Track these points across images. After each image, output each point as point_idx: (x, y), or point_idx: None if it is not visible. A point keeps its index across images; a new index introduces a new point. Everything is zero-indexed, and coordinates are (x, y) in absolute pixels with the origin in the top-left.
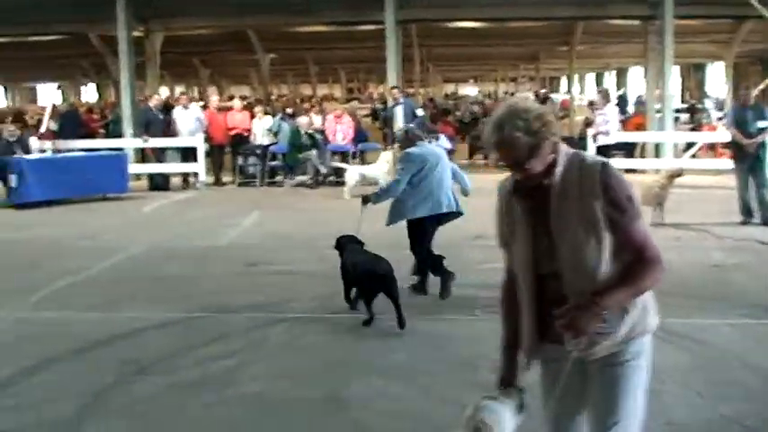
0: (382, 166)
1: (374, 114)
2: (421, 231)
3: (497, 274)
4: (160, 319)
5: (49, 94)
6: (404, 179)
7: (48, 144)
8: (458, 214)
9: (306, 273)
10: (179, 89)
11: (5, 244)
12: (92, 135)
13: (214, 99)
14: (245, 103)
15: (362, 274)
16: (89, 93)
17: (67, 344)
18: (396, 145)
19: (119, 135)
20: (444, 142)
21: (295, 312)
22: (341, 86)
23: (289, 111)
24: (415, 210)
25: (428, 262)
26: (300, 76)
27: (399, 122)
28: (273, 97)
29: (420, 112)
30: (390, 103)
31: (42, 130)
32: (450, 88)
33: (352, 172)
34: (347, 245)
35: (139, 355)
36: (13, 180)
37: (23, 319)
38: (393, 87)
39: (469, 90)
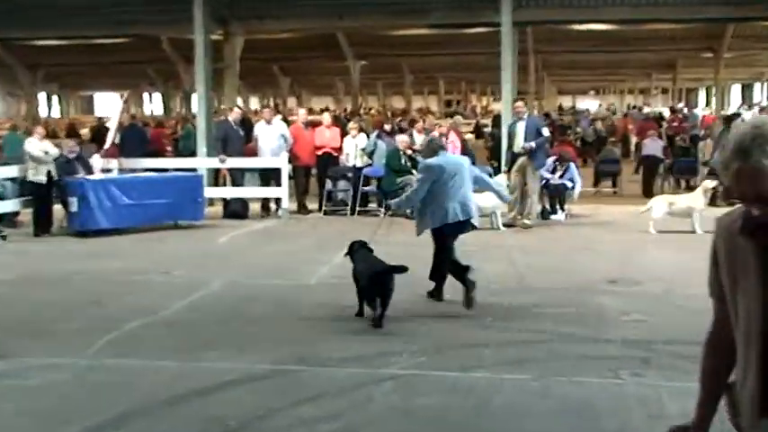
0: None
1: (478, 131)
2: (440, 241)
3: (643, 329)
4: (246, 370)
5: (114, 104)
6: (422, 189)
7: (113, 163)
8: (469, 225)
9: (412, 318)
10: (253, 100)
11: (66, 277)
12: (158, 153)
13: (302, 113)
14: (333, 116)
15: (364, 278)
16: (154, 104)
17: (140, 398)
18: (511, 169)
19: (190, 153)
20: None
21: (401, 367)
22: (438, 98)
23: (387, 127)
24: (432, 220)
25: (447, 269)
26: (392, 87)
27: (520, 141)
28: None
29: (545, 131)
30: (508, 118)
31: (107, 145)
32: (565, 101)
33: None
34: (359, 250)
35: (225, 414)
36: (74, 204)
37: (88, 368)
38: (518, 99)
39: (588, 103)
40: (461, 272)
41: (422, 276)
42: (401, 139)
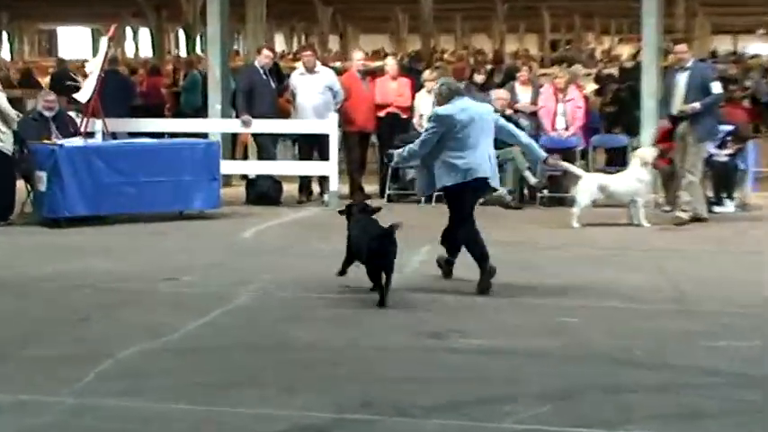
0: (638, 175)
1: (600, 88)
2: (457, 204)
3: None
4: (298, 420)
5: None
6: (429, 141)
7: (97, 124)
8: (486, 187)
9: (526, 351)
10: (279, 40)
11: (36, 283)
12: (154, 111)
13: (358, 57)
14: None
15: (362, 248)
16: (141, 42)
17: None
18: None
19: (195, 112)
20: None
21: (517, 420)
22: (540, 38)
23: (477, 78)
24: (441, 178)
25: (464, 241)
26: (474, 21)
27: (678, 99)
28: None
29: (716, 87)
30: (652, 67)
31: (84, 98)
32: (722, 44)
33: (589, 183)
34: (356, 214)
35: None
36: (42, 181)
37: (73, 410)
38: (679, 41)
39: (757, 47)
40: (479, 258)
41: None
42: (498, 96)
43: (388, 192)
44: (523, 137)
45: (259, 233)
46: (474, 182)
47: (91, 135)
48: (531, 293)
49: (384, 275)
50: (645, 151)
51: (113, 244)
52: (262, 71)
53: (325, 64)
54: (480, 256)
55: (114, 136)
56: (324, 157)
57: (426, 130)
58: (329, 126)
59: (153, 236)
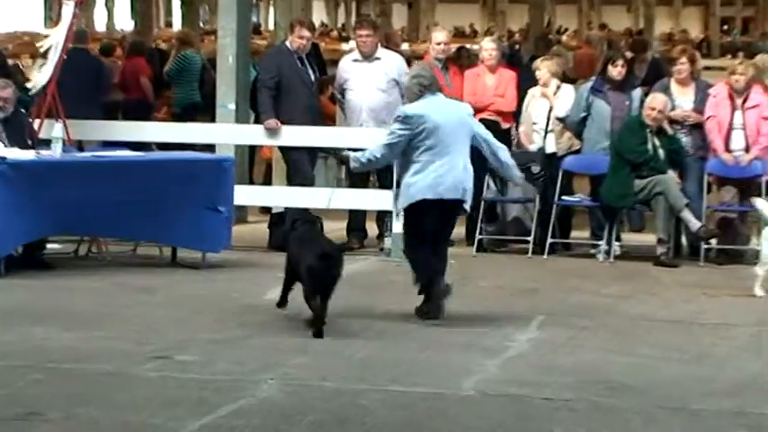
0: None
1: None
2: (413, 222)
3: None
4: None
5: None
6: (393, 146)
7: (55, 128)
8: (460, 207)
9: None
10: (318, 7)
11: None
12: (138, 110)
13: (438, 38)
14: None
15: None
16: (116, 11)
17: None
18: None
19: (192, 109)
20: None
21: None
22: (704, 16)
23: (614, 72)
24: (403, 194)
25: (409, 261)
26: None
27: None
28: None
29: None
30: None
31: (36, 84)
32: None
33: None
34: (301, 227)
35: None
36: None
37: None
38: None
39: None
40: (430, 284)
41: None
42: (652, 102)
43: (479, 236)
44: (502, 153)
45: (289, 295)
46: (439, 202)
47: (44, 145)
48: (693, 395)
49: (321, 298)
50: None
51: (77, 304)
52: (295, 56)
53: (387, 46)
54: (428, 282)
55: (80, 147)
56: (384, 182)
57: (390, 133)
58: None
59: (134, 293)
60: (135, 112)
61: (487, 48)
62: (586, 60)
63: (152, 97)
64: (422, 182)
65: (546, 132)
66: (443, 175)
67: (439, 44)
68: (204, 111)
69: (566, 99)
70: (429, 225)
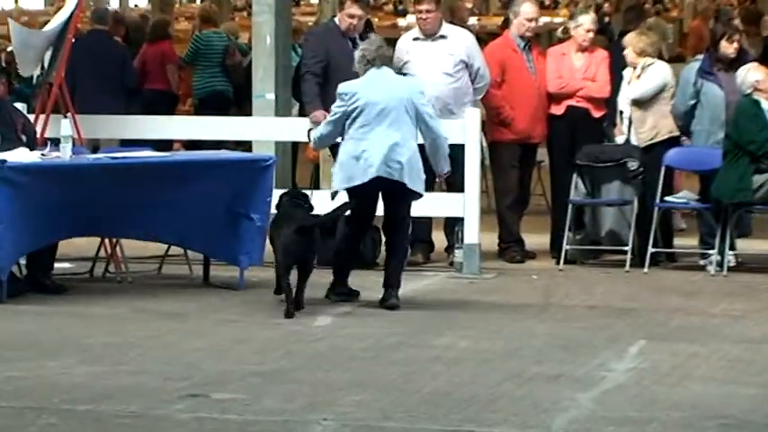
0: None
1: None
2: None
3: None
4: None
5: None
6: (333, 122)
7: (64, 125)
8: (402, 189)
9: None
10: None
11: None
12: (163, 103)
13: (526, 11)
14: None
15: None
16: None
17: None
18: None
19: (215, 99)
20: None
21: None
22: None
23: (728, 49)
24: (338, 176)
25: (337, 262)
26: None
27: None
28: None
29: None
30: None
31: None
32: None
33: None
34: (284, 205)
35: None
36: None
37: None
38: None
39: None
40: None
41: None
42: (756, 77)
43: (566, 247)
44: (437, 141)
45: (344, 320)
46: (370, 183)
47: (52, 145)
48: None
49: (299, 277)
50: None
51: (94, 334)
52: (346, 37)
53: (453, 22)
54: (339, 270)
55: (96, 148)
56: (455, 185)
57: (332, 109)
58: (466, 130)
59: (161, 319)
60: (158, 106)
61: (584, 24)
62: (699, 31)
63: (178, 88)
64: (350, 161)
65: (630, 121)
66: (371, 152)
67: (530, 20)
68: (235, 102)
69: (648, 79)
70: (365, 208)
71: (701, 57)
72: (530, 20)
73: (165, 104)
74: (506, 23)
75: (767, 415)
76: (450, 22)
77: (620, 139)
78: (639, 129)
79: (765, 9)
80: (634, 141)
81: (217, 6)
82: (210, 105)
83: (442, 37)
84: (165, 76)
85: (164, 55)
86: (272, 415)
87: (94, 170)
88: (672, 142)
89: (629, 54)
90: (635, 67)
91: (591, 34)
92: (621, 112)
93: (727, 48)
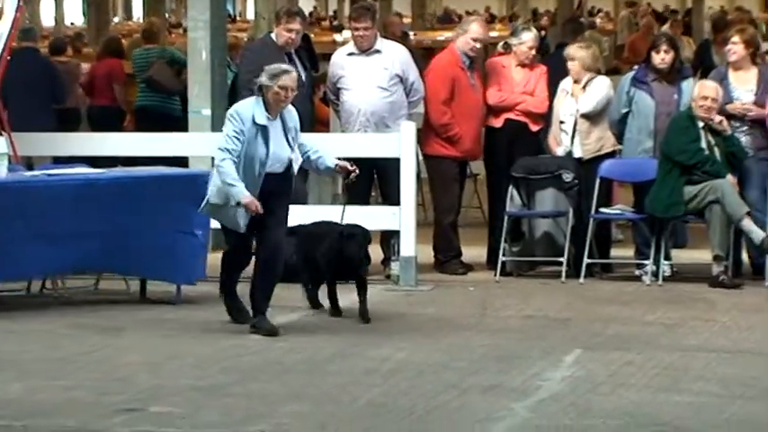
0: None
1: None
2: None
3: None
4: None
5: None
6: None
7: (1, 143)
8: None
9: None
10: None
11: None
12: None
13: (473, 30)
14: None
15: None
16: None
17: None
18: None
19: (170, 118)
20: None
21: None
22: None
23: (657, 59)
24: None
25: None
26: None
27: None
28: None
29: None
30: None
31: None
32: None
33: None
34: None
35: None
36: None
37: None
38: None
39: None
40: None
41: None
42: (702, 92)
43: (503, 258)
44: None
45: (283, 336)
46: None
47: None
48: None
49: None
50: None
51: (29, 350)
52: (282, 52)
53: (387, 36)
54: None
55: (30, 164)
56: (390, 198)
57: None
58: (402, 144)
59: (97, 334)
60: (106, 121)
61: (527, 41)
62: (636, 44)
63: (125, 104)
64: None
65: (573, 133)
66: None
67: (476, 40)
68: (162, 117)
69: (595, 93)
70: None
71: None
72: (475, 40)
73: (112, 120)
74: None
75: (702, 422)
76: (385, 37)
77: (560, 150)
78: (585, 141)
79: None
80: (578, 153)
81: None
82: (138, 120)
83: (377, 51)
84: (111, 92)
85: (111, 71)
86: (209, 428)
87: (30, 187)
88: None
89: (574, 67)
90: (577, 81)
91: (533, 51)
92: (562, 123)
93: (656, 58)
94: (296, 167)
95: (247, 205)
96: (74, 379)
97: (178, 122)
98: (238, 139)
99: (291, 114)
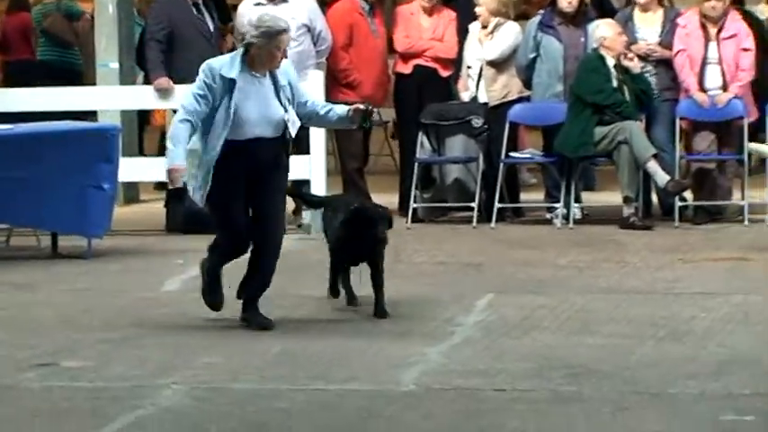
0: None
1: None
2: None
3: None
4: None
5: None
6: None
7: None
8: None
9: None
10: None
11: None
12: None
13: None
14: None
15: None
16: None
17: None
18: None
19: (72, 71)
20: None
21: None
22: None
23: (563, 3)
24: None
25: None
26: None
27: None
28: None
29: None
30: None
31: None
32: None
33: None
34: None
35: None
36: None
37: None
38: None
39: None
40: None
41: None
42: (604, 33)
43: (414, 205)
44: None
45: (190, 284)
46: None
47: None
48: (673, 376)
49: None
50: None
51: None
52: (190, 2)
53: None
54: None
55: None
56: (300, 148)
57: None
58: (311, 92)
59: (8, 290)
60: (25, 76)
61: None
62: None
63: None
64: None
65: (479, 79)
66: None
67: None
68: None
69: (501, 40)
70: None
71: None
72: None
73: (32, 75)
74: None
75: (614, 364)
76: None
77: (465, 96)
78: (490, 87)
79: None
80: (484, 99)
81: None
82: (42, 75)
83: (284, 1)
84: (28, 47)
85: (25, 26)
86: (121, 381)
87: None
88: (523, 101)
89: (482, 13)
90: (485, 26)
91: None
92: (469, 68)
93: (562, 2)
94: (293, 130)
95: (168, 173)
96: None
97: (79, 76)
98: (202, 97)
99: (286, 71)
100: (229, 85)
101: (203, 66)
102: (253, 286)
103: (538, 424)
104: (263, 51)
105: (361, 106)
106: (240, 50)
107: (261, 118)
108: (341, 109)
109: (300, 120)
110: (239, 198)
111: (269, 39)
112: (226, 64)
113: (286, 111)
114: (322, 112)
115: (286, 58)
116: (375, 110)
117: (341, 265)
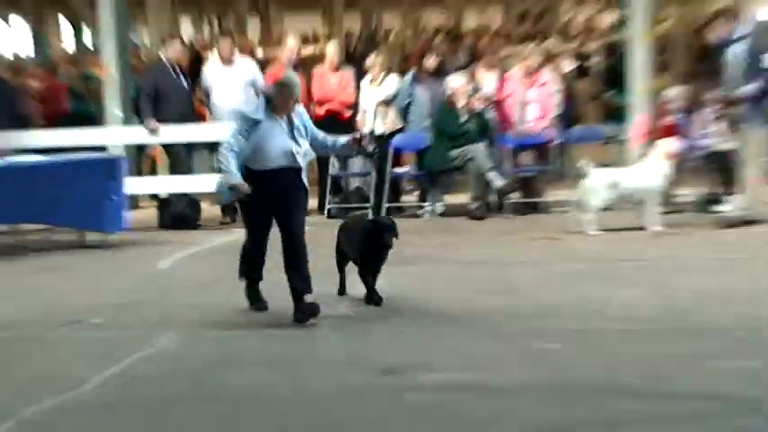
0: (660, 169)
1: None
2: None
3: None
4: None
5: None
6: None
7: None
8: None
9: (502, 386)
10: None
11: None
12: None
13: (291, 44)
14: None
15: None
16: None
17: None
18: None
19: (90, 118)
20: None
21: None
22: (505, 9)
23: (429, 63)
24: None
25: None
26: None
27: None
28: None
29: None
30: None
31: None
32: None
33: (599, 178)
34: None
35: None
36: None
37: None
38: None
39: None
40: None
41: None
42: (457, 85)
43: (329, 206)
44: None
45: (178, 264)
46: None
47: None
48: (504, 318)
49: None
50: (668, 142)
51: None
52: (170, 67)
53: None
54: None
55: None
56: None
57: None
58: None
59: (46, 271)
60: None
61: (332, 51)
62: (413, 54)
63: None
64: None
65: (375, 116)
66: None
67: (291, 48)
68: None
69: (388, 86)
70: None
71: None
72: (291, 47)
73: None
74: None
75: (465, 311)
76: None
77: (366, 130)
78: (384, 120)
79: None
80: (380, 130)
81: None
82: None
83: (234, 64)
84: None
85: (58, 89)
86: (129, 330)
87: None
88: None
89: (375, 69)
90: (374, 80)
91: (336, 57)
92: (365, 111)
93: (428, 62)
94: (301, 161)
95: (238, 186)
96: (26, 303)
97: (94, 121)
98: (240, 134)
99: (300, 115)
100: (255, 123)
101: (237, 113)
102: (294, 279)
103: (399, 341)
104: (279, 100)
105: (356, 135)
106: (263, 99)
107: (279, 150)
108: (343, 139)
109: (315, 151)
110: (263, 215)
111: (277, 89)
112: (253, 109)
113: (299, 145)
114: (330, 144)
115: (299, 103)
116: (366, 137)
117: (362, 267)
